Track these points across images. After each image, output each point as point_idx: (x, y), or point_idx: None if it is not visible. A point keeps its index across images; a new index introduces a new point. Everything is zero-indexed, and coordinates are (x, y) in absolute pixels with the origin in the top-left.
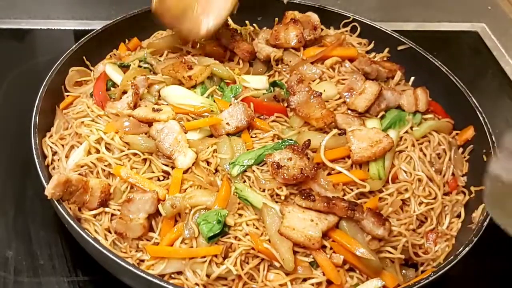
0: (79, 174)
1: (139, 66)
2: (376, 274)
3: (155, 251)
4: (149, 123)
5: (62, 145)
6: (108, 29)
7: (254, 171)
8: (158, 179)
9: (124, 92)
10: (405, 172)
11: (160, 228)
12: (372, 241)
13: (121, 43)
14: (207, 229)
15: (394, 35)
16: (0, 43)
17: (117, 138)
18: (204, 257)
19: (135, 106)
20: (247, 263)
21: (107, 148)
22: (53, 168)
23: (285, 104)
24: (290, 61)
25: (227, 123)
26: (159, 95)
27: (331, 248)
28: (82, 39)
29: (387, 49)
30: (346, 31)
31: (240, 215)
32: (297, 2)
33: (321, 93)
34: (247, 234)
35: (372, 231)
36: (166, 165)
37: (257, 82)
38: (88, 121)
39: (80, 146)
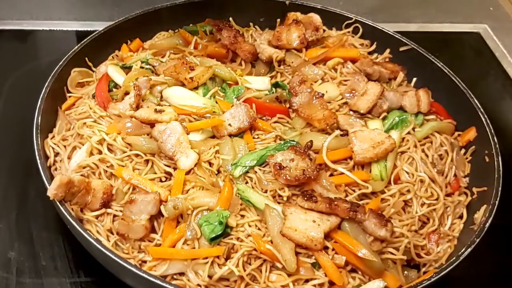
0: (81, 175)
1: (141, 67)
2: (378, 275)
3: (157, 252)
4: (151, 124)
5: (64, 146)
6: (110, 30)
7: (256, 172)
8: (160, 180)
9: (127, 93)
10: (407, 173)
11: (162, 229)
12: (374, 242)
13: (123, 44)
14: (209, 230)
15: (396, 36)
16: (2, 44)
17: (119, 139)
18: (206, 258)
19: (138, 107)
20: (249, 264)
21: (109, 149)
22: (55, 169)
23: (287, 105)
24: (292, 62)
25: (229, 124)
26: (161, 96)
27: (333, 249)
28: (84, 40)
29: (388, 50)
30: (348, 32)
31: (242, 216)
32: (299, 3)
33: (323, 94)
34: (249, 235)
35: (374, 232)
36: (168, 166)
37: (259, 83)
38: (90, 122)
39: (82, 147)
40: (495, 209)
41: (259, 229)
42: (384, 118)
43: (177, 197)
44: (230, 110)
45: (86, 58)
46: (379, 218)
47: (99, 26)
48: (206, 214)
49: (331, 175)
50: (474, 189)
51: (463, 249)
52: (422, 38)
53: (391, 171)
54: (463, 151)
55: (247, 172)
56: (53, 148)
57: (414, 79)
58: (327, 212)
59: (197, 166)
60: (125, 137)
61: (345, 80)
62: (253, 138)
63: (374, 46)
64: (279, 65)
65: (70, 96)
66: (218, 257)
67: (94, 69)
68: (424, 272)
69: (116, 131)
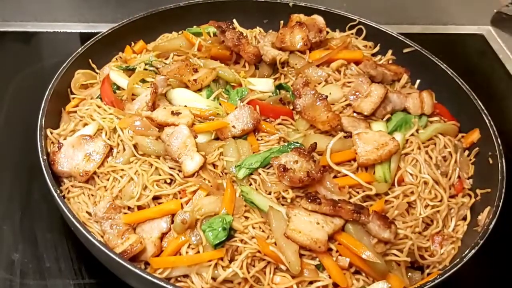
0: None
1: (145, 69)
2: (382, 277)
3: (159, 263)
4: (159, 127)
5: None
6: (114, 32)
7: (260, 173)
8: (165, 182)
9: (133, 94)
10: (411, 174)
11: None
12: (378, 244)
13: (126, 45)
14: (213, 236)
15: (400, 38)
16: (6, 46)
17: (127, 133)
18: (210, 260)
19: (154, 106)
20: (253, 266)
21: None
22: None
23: (291, 107)
24: (296, 64)
25: (233, 126)
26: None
27: (337, 251)
28: (88, 42)
29: (390, 52)
30: (352, 33)
31: (246, 217)
32: (303, 5)
33: (326, 96)
34: (253, 237)
35: (378, 234)
36: (173, 169)
37: (263, 85)
38: (97, 115)
39: (89, 125)
40: (498, 211)
41: (263, 231)
42: (387, 120)
43: (184, 211)
44: (234, 112)
45: (90, 60)
46: (383, 220)
47: (102, 28)
48: (209, 220)
49: (335, 177)
50: (478, 191)
51: (467, 250)
52: (425, 40)
53: (395, 173)
54: (466, 152)
55: (251, 174)
56: (53, 142)
57: (418, 80)
58: (331, 214)
59: (202, 168)
60: (133, 136)
61: (349, 82)
62: (257, 140)
63: (377, 48)
64: (282, 67)
65: (73, 98)
66: (222, 259)
67: (97, 70)
68: (428, 274)
69: (127, 126)
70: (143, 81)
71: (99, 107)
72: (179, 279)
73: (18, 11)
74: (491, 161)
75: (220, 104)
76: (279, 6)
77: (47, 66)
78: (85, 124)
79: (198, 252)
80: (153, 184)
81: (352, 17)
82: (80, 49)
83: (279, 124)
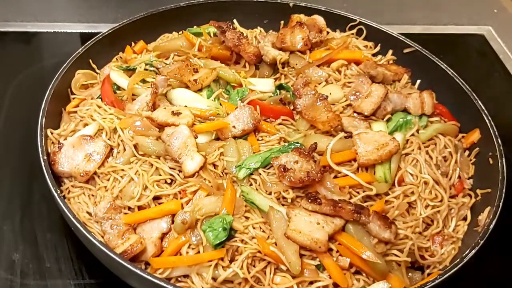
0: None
1: (145, 69)
2: (383, 277)
3: (159, 263)
4: (160, 127)
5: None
6: (114, 32)
7: (260, 174)
8: (166, 182)
9: (133, 95)
10: (411, 175)
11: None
12: (379, 244)
13: (127, 46)
14: (213, 236)
15: (400, 38)
16: (6, 46)
17: (127, 133)
18: (211, 260)
19: (154, 106)
20: (254, 266)
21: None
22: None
23: (291, 107)
24: (296, 64)
25: (234, 126)
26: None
27: (337, 251)
28: (88, 42)
29: (390, 52)
30: (352, 34)
31: (247, 218)
32: (303, 5)
33: (327, 96)
34: (253, 237)
35: (378, 234)
36: (173, 169)
37: (263, 85)
38: (98, 116)
39: (90, 125)
40: (499, 211)
41: (263, 231)
42: (388, 120)
43: (184, 211)
44: (234, 112)
45: (90, 60)
46: (383, 220)
47: (103, 28)
48: (209, 220)
49: (335, 177)
50: (478, 191)
51: (467, 250)
52: (426, 40)
53: (395, 173)
54: (467, 152)
55: (251, 174)
56: (53, 143)
57: (418, 81)
58: (332, 214)
59: (202, 169)
60: (133, 136)
61: (349, 82)
62: (257, 140)
63: (378, 48)
64: (283, 67)
65: (74, 98)
66: (222, 259)
67: (98, 71)
68: (428, 274)
69: (127, 126)
70: (144, 81)
71: (99, 107)
72: (179, 279)
73: (18, 11)
74: (491, 161)
75: (220, 104)
76: (279, 6)
77: (47, 66)
78: (86, 124)
79: (199, 252)
80: (154, 184)
81: (353, 17)
82: (80, 49)
83: (279, 124)
